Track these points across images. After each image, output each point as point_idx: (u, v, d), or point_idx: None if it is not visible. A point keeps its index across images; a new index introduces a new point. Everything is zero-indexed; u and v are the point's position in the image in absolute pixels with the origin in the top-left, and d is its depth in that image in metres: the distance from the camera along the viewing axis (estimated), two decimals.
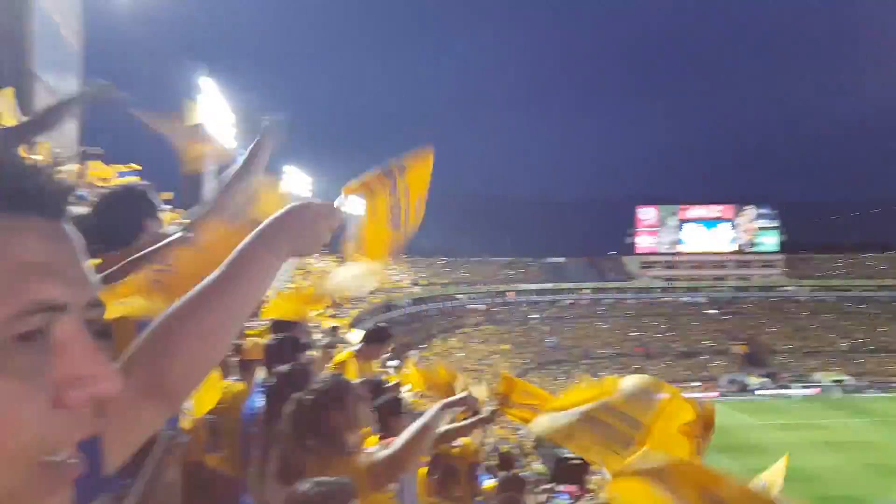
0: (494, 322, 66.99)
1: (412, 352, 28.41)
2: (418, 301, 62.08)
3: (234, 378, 3.52)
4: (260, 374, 3.61)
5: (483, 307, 69.55)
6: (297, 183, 33.12)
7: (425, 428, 2.49)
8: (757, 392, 56.08)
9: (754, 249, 77.62)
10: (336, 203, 1.26)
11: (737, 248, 77.79)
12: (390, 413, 3.36)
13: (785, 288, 75.19)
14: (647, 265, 77.66)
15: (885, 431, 43.07)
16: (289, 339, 3.73)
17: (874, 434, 42.54)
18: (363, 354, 5.08)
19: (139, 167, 9.72)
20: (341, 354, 5.42)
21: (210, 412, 2.65)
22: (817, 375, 57.38)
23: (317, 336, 7.82)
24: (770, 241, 77.63)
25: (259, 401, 3.03)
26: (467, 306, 68.49)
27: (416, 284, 63.74)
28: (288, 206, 1.11)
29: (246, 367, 3.59)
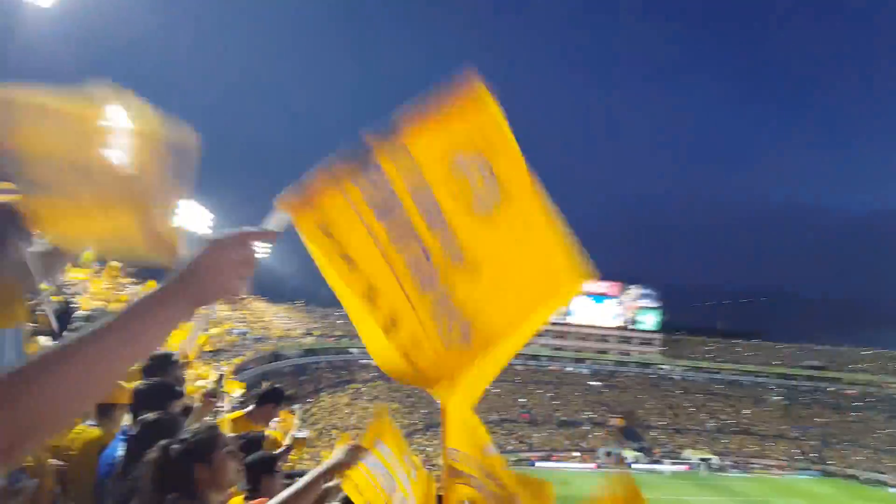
0: (387, 379, 65.89)
1: (296, 406, 27.30)
2: (309, 352, 60.14)
3: (91, 423, 3.21)
4: (124, 420, 3.31)
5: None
6: (194, 219, 31.56)
7: (303, 491, 2.31)
8: (632, 465, 58.08)
9: (636, 326, 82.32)
10: (268, 228, 1.09)
11: (620, 324, 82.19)
12: (263, 471, 3.16)
13: (661, 366, 79.79)
14: (539, 333, 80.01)
15: None
16: (161, 384, 3.46)
17: None
18: (255, 416, 4.83)
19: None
20: (232, 415, 5.15)
21: (60, 459, 2.40)
22: (687, 452, 60.55)
23: (199, 383, 7.37)
24: (650, 319, 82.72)
25: (120, 449, 2.78)
26: (360, 361, 67.12)
27: (308, 334, 61.89)
28: (198, 253, 0.98)
29: (105, 412, 3.27)
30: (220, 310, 45.95)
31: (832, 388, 74.14)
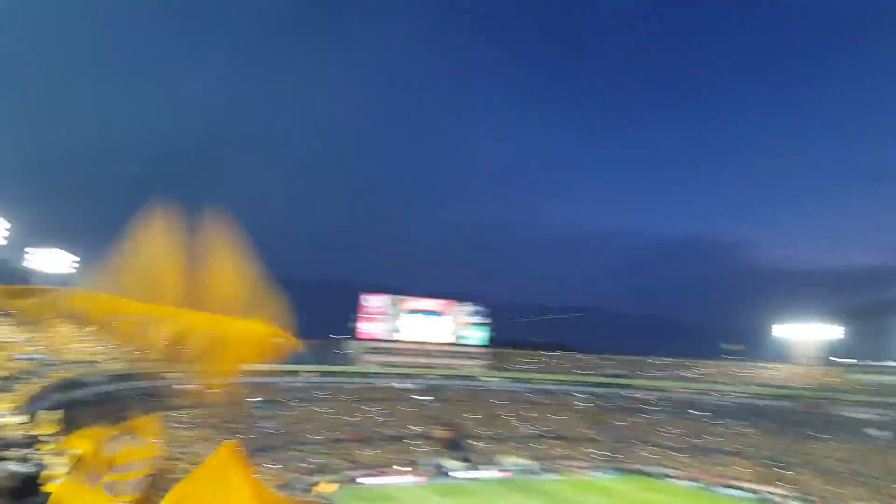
0: (205, 405, 61.97)
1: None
2: (116, 378, 54.81)
3: None
4: None
5: (193, 387, 63.91)
6: None
7: None
8: (455, 475, 60.60)
9: (465, 342, 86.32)
10: None
11: (451, 340, 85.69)
12: None
13: (483, 378, 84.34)
14: (370, 351, 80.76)
15: None
16: None
17: None
18: None
19: None
20: None
21: None
22: (505, 459, 64.57)
23: None
24: (479, 335, 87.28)
25: None
26: (174, 386, 62.38)
27: (115, 359, 56.40)
28: None
29: None
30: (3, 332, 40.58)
31: (629, 394, 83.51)
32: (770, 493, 56.66)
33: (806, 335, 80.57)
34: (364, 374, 78.53)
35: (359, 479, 56.51)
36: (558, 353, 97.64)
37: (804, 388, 73.53)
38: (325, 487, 48.63)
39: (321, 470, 55.89)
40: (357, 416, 69.42)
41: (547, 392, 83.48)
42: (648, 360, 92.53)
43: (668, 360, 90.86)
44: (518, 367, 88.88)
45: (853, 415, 66.63)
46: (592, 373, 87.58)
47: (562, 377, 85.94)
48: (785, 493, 56.17)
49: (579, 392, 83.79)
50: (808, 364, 78.71)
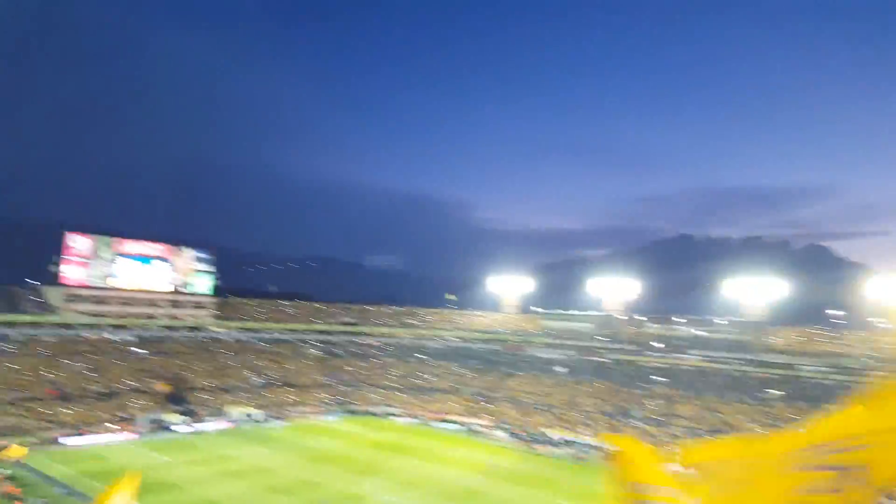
0: None
1: None
2: None
3: None
4: None
5: None
6: None
7: None
8: (176, 429, 56.71)
9: (189, 290, 79.95)
10: None
11: (172, 289, 78.56)
12: None
13: (212, 329, 79.69)
14: (73, 298, 70.01)
15: (280, 456, 49.87)
16: None
17: (272, 460, 48.67)
18: None
19: None
20: None
21: None
22: (232, 410, 62.32)
23: None
24: (204, 283, 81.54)
25: None
26: None
27: None
28: None
29: None
30: None
31: (361, 341, 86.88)
32: (476, 423, 64.45)
33: (510, 287, 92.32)
34: (68, 326, 68.09)
35: (61, 440, 49.65)
36: (295, 302, 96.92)
37: (507, 333, 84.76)
38: (13, 451, 41.42)
39: (11, 432, 47.55)
40: (57, 372, 60.18)
41: (279, 341, 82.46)
42: (381, 308, 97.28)
43: (399, 309, 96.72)
44: (249, 316, 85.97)
45: (543, 355, 78.99)
46: (327, 322, 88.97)
47: (295, 326, 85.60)
48: (488, 423, 64.44)
49: (312, 340, 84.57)
50: (510, 312, 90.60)
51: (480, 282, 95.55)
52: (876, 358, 58.53)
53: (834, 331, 67.50)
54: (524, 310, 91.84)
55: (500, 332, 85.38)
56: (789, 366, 62.98)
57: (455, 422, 65.34)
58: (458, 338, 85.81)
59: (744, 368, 65.33)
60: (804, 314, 77.16)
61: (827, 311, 77.46)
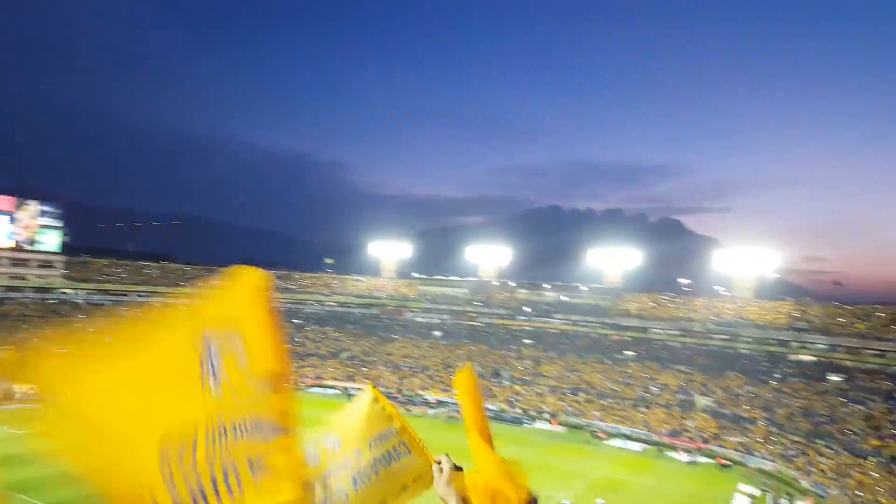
0: None
1: None
2: None
3: None
4: None
5: None
6: None
7: None
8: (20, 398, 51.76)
9: (34, 248, 72.27)
10: None
11: (14, 245, 70.59)
12: None
13: (62, 290, 72.90)
14: None
15: None
16: None
17: None
18: None
19: None
20: None
21: None
22: None
23: None
24: (52, 240, 74.04)
25: None
26: None
27: None
28: None
29: None
30: None
31: None
32: (353, 387, 64.73)
33: (389, 252, 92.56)
34: None
35: None
36: (158, 263, 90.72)
37: (385, 298, 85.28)
38: None
39: None
40: None
41: (142, 305, 77.13)
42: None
43: (273, 272, 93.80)
44: (106, 277, 79.43)
45: (421, 319, 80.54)
46: (192, 284, 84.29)
47: (157, 289, 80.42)
48: (362, 385, 64.85)
49: (177, 304, 79.92)
50: (389, 278, 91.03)
51: (359, 246, 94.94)
52: (717, 322, 65.67)
53: (682, 297, 74.55)
54: (403, 275, 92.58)
55: (379, 297, 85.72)
56: (642, 329, 68.99)
57: (332, 386, 65.20)
58: (336, 302, 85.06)
59: (602, 331, 70.75)
60: (657, 282, 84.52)
61: (677, 280, 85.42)
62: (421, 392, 62.69)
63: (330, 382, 65.84)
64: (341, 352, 73.99)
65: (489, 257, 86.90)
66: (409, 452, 2.60)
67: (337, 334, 78.65)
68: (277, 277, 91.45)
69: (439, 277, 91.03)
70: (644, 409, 56.60)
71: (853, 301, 68.48)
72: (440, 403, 59.37)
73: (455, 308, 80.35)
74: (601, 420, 55.27)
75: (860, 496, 36.38)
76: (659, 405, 57.16)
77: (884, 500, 34.75)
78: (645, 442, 50.87)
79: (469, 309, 79.81)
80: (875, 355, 54.84)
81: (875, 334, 56.21)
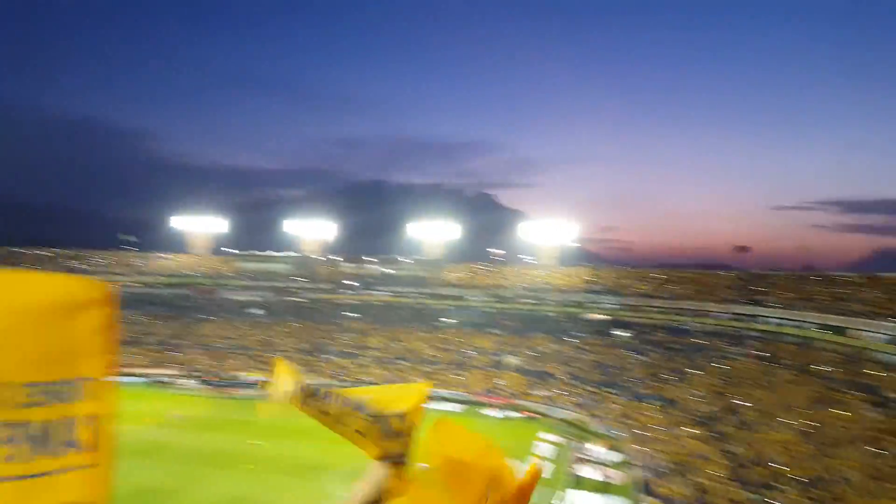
0: None
1: None
2: None
3: None
4: None
5: None
6: None
7: None
8: None
9: None
10: None
11: None
12: None
13: None
14: None
15: None
16: None
17: None
18: None
19: None
20: None
21: None
22: None
23: None
24: None
25: None
26: None
27: None
28: None
29: None
30: None
31: None
32: (161, 374, 59.79)
33: (199, 227, 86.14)
34: None
35: None
36: None
37: (197, 276, 79.44)
38: None
39: None
40: None
41: None
42: (37, 252, 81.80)
43: (62, 251, 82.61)
44: None
45: (239, 298, 76.44)
46: None
47: None
48: (176, 372, 60.32)
49: None
50: (201, 254, 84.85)
51: (165, 221, 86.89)
52: (526, 288, 70.96)
53: (495, 267, 79.36)
54: (216, 251, 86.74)
55: (190, 276, 79.57)
56: (460, 297, 72.38)
57: (136, 375, 59.54)
58: (138, 283, 77.35)
59: (424, 301, 73.01)
60: (473, 253, 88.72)
61: (490, 250, 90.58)
62: (240, 374, 59.79)
63: (133, 371, 60.10)
64: (146, 336, 67.79)
65: (311, 231, 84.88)
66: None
67: (139, 317, 71.81)
68: (66, 257, 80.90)
69: (258, 253, 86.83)
70: (462, 372, 59.63)
71: (637, 265, 78.18)
72: (264, 384, 57.12)
73: (276, 284, 77.43)
74: None
75: (643, 434, 41.92)
76: (475, 367, 60.59)
77: (662, 437, 40.35)
78: (463, 402, 53.63)
79: (291, 285, 77.41)
80: (655, 311, 63.20)
81: (654, 294, 64.69)
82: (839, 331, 45.91)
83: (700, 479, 30.87)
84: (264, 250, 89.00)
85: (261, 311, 74.82)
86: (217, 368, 61.16)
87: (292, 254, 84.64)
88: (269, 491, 32.74)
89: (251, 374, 59.37)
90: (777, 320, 53.12)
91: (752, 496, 26.55)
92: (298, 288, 77.00)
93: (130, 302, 73.69)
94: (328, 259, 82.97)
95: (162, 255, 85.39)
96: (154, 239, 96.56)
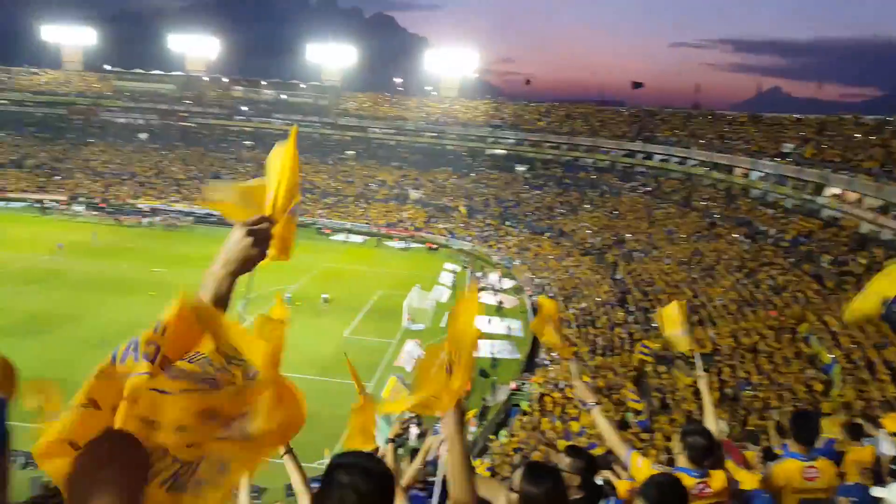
0: None
1: None
2: None
3: None
4: None
5: None
6: None
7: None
8: None
9: None
10: None
11: None
12: None
13: None
14: None
15: None
16: None
17: None
18: None
19: None
20: None
21: None
22: None
23: None
24: None
25: None
26: None
27: None
28: None
29: None
30: None
31: None
32: (47, 199, 57.61)
33: (72, 39, 77.27)
34: None
35: None
36: None
37: (73, 96, 73.10)
38: None
39: None
40: None
41: None
42: None
43: None
44: None
45: (121, 120, 71.86)
46: None
47: None
48: (61, 198, 58.16)
49: None
50: (73, 70, 77.01)
51: (33, 31, 76.91)
52: (427, 121, 71.38)
53: (396, 97, 78.26)
54: (90, 67, 78.94)
55: (66, 94, 73.06)
56: (361, 128, 72.00)
57: (19, 199, 57.11)
58: (6, 101, 70.50)
59: (323, 131, 72.08)
60: (374, 81, 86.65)
61: (392, 79, 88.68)
62: (131, 201, 58.73)
63: (15, 195, 57.58)
64: (24, 159, 63.80)
65: (196, 48, 78.31)
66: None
67: (15, 139, 66.82)
68: None
69: (139, 71, 79.88)
70: (364, 205, 61.60)
71: (539, 100, 79.59)
72: (154, 212, 56.69)
73: (162, 107, 73.00)
74: (325, 217, 58.51)
75: (536, 264, 46.44)
76: (377, 200, 62.57)
77: (553, 265, 44.63)
78: (366, 234, 56.10)
79: (179, 108, 73.25)
80: (551, 147, 66.32)
81: (553, 129, 67.34)
82: (722, 168, 50.10)
83: (586, 305, 34.65)
84: (147, 68, 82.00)
85: (146, 135, 71.29)
86: (105, 195, 59.45)
87: (178, 73, 78.68)
88: None
89: (144, 200, 58.50)
90: (663, 157, 57.86)
91: (631, 318, 30.76)
92: (186, 111, 73.02)
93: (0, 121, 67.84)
94: (218, 80, 77.87)
95: (31, 69, 76.92)
96: (19, 51, 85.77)
